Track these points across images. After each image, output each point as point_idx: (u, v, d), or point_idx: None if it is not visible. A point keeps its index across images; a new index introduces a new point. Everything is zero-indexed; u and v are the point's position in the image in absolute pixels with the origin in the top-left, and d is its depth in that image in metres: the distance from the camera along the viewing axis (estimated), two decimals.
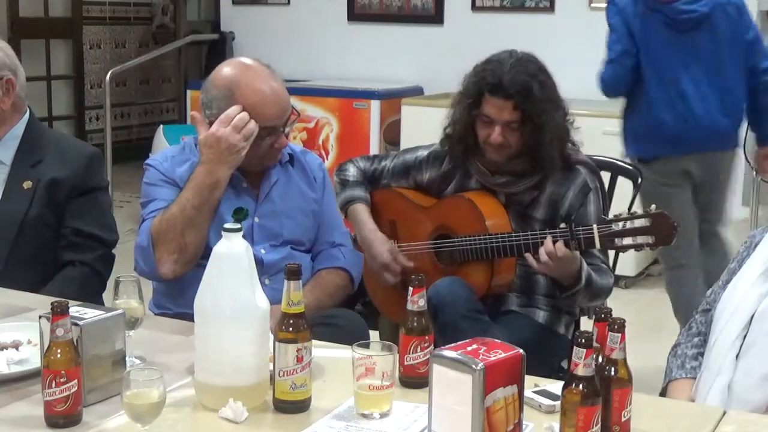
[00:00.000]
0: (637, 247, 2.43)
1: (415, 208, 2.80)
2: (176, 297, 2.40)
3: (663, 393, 2.14)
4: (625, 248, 2.45)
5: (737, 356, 1.97)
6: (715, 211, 3.88)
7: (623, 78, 3.71)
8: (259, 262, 2.37)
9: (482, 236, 2.60)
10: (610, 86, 3.76)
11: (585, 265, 2.52)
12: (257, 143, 2.38)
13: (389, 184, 2.87)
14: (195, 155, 2.46)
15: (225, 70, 2.43)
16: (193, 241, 2.33)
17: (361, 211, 2.85)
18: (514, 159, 2.64)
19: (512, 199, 2.68)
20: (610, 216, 2.49)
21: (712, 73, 3.68)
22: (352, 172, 2.90)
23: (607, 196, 2.75)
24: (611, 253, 2.71)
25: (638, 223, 2.39)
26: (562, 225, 2.51)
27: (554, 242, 2.44)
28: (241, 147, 2.32)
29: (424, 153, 2.83)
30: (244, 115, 2.33)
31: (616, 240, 2.42)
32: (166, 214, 2.34)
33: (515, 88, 2.54)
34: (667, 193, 3.64)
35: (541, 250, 2.45)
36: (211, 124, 2.38)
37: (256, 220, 2.47)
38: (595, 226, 2.45)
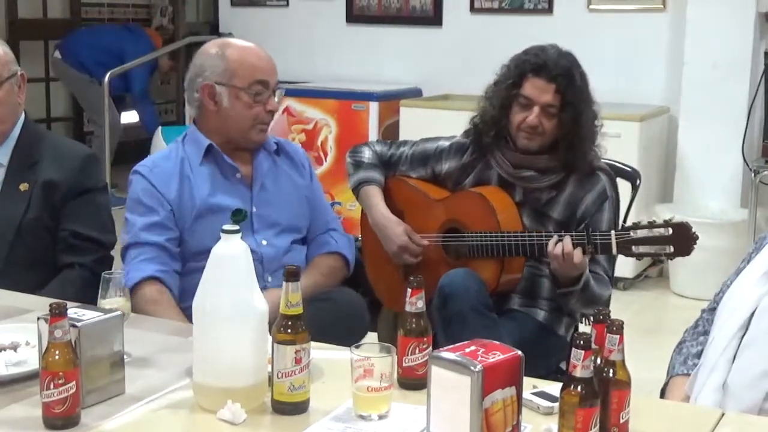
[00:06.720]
0: (655, 256, 2.41)
1: (425, 200, 2.78)
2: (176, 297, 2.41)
3: (664, 388, 2.15)
4: (642, 256, 2.42)
5: (734, 355, 1.98)
6: None
7: None
8: (259, 259, 2.39)
9: (495, 233, 2.58)
10: None
11: (587, 271, 2.51)
12: (250, 103, 2.42)
13: (406, 171, 2.84)
14: (182, 155, 2.51)
15: (208, 43, 2.53)
16: None
17: (374, 193, 2.81)
18: (542, 154, 2.63)
19: (530, 195, 2.66)
20: (629, 223, 2.47)
21: None
22: (367, 154, 2.87)
23: (619, 204, 2.73)
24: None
25: (657, 232, 2.37)
26: (580, 228, 2.50)
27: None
28: None
29: (445, 143, 2.81)
30: None
31: (633, 247, 2.39)
32: (151, 305, 2.35)
33: (559, 70, 2.54)
34: None
35: (559, 245, 2.43)
36: (202, 93, 2.42)
37: (254, 209, 2.49)
38: (613, 233, 2.42)
